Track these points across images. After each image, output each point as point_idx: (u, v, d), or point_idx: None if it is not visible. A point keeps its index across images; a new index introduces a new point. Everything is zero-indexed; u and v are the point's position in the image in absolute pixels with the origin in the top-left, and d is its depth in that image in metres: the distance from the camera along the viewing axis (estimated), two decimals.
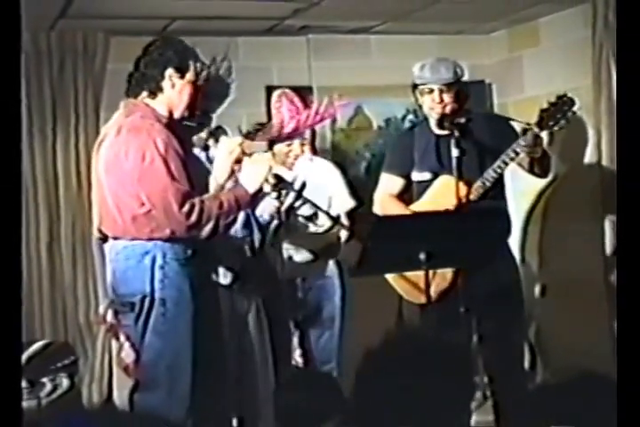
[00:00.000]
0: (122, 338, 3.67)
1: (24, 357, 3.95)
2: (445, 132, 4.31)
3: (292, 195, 4.14)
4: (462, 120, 4.08)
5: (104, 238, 3.67)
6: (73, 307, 5.37)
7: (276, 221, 4.41)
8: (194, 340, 3.53)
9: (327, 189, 4.97)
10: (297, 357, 4.71)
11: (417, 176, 4.44)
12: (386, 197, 4.56)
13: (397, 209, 4.46)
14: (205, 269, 3.71)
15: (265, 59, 5.56)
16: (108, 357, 5.35)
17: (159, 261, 3.51)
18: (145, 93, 3.60)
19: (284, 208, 4.12)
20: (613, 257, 4.92)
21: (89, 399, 5.24)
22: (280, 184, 3.83)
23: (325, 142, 5.76)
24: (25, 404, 3.88)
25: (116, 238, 3.59)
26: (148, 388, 3.59)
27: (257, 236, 4.44)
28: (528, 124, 4.07)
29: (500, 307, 4.20)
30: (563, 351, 5.17)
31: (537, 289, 5.46)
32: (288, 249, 4.74)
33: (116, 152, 3.50)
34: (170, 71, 3.57)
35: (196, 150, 4.53)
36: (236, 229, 4.26)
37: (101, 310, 4.21)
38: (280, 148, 4.66)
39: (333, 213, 4.85)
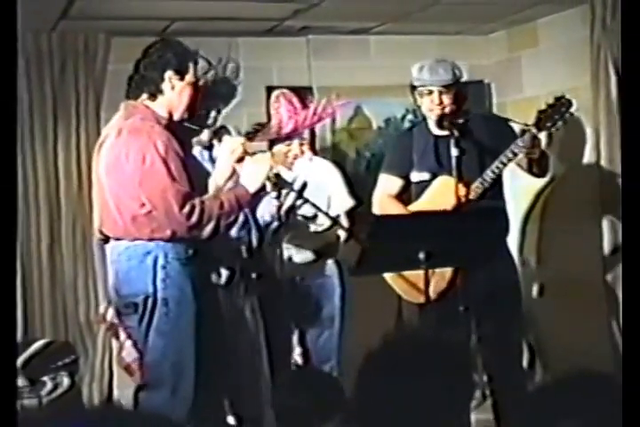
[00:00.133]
0: (122, 337, 3.68)
1: (25, 356, 3.97)
2: (444, 133, 4.33)
3: (291, 195, 4.15)
4: (461, 121, 4.09)
5: (105, 239, 3.68)
6: (73, 306, 5.38)
7: (276, 221, 4.42)
8: (196, 338, 3.55)
9: (327, 189, 4.98)
10: (296, 356, 4.72)
11: (416, 177, 4.45)
12: (384, 198, 4.57)
13: (396, 209, 4.46)
14: (206, 268, 3.73)
15: (265, 59, 5.56)
16: (109, 356, 5.35)
17: (161, 261, 3.52)
18: (145, 95, 3.61)
19: (284, 208, 4.13)
20: (611, 257, 4.94)
21: (89, 398, 5.24)
22: (280, 184, 3.84)
23: (325, 142, 5.77)
24: (26, 402, 3.91)
25: (117, 239, 3.60)
26: (153, 387, 3.60)
27: (255, 236, 4.46)
28: (526, 124, 4.09)
29: (499, 306, 4.22)
30: (561, 351, 5.17)
31: (535, 289, 5.47)
32: (288, 249, 4.76)
33: (117, 154, 3.51)
34: (169, 73, 3.58)
35: (199, 149, 4.55)
36: (237, 229, 4.28)
37: (101, 309, 4.22)
38: (279, 148, 4.67)
39: (333, 212, 4.86)
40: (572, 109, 4.02)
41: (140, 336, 3.57)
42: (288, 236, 4.63)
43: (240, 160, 3.71)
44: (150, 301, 3.52)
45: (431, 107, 4.34)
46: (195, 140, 4.51)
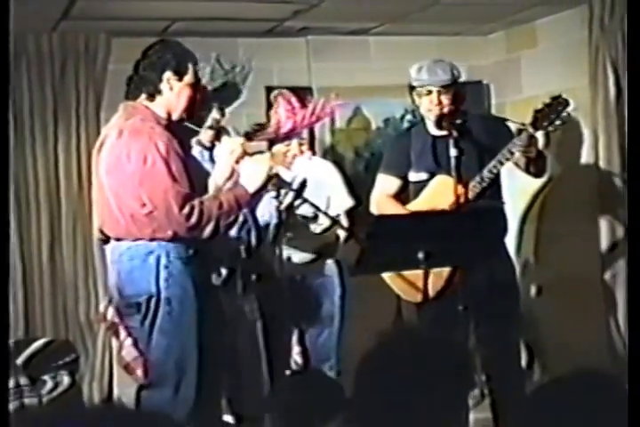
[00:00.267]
0: (122, 336, 3.69)
1: (25, 354, 3.98)
2: (442, 133, 4.34)
3: (291, 194, 4.16)
4: (459, 121, 4.11)
5: (106, 240, 3.69)
6: (74, 305, 5.39)
7: (275, 221, 4.43)
8: (198, 337, 3.56)
9: (326, 189, 4.99)
10: (295, 355, 4.74)
11: (414, 177, 4.46)
12: (382, 197, 4.57)
13: (394, 209, 4.47)
14: (207, 267, 3.74)
15: (265, 60, 5.54)
16: (109, 355, 5.36)
17: (163, 261, 3.53)
18: (143, 96, 3.61)
19: (283, 208, 4.14)
20: (609, 257, 4.95)
21: (89, 397, 5.26)
22: (279, 184, 3.84)
23: (324, 142, 5.79)
24: (26, 401, 3.92)
25: (118, 239, 3.60)
26: (155, 385, 3.61)
27: (254, 236, 4.47)
28: (523, 124, 4.10)
29: (497, 306, 4.23)
30: (559, 350, 5.19)
31: (533, 289, 5.48)
32: (287, 249, 4.76)
33: (118, 155, 3.52)
34: (168, 74, 3.58)
35: (199, 150, 4.57)
36: (237, 229, 4.29)
37: (102, 308, 4.23)
38: (279, 148, 4.68)
39: (332, 212, 4.87)
40: (569, 109, 4.03)
41: (143, 336, 3.58)
42: (287, 236, 4.64)
43: (239, 160, 3.72)
44: (153, 300, 3.53)
45: (430, 107, 4.35)
46: (194, 140, 4.52)
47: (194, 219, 3.48)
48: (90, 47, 5.30)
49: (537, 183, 5.32)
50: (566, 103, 4.03)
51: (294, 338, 4.76)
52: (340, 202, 5.03)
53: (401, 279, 4.30)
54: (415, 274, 4.04)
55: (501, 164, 4.16)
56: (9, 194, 5.10)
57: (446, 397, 2.03)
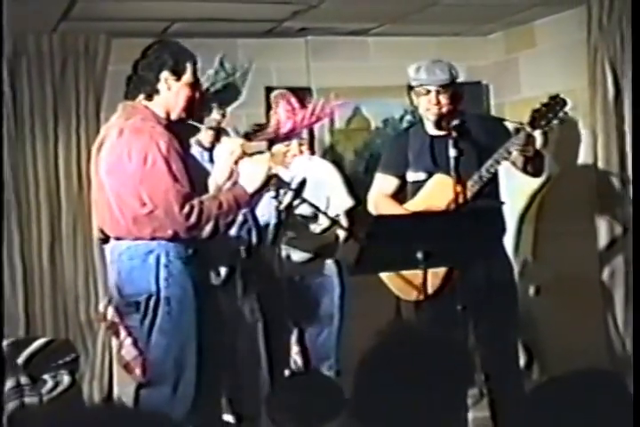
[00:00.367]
0: (122, 336, 3.70)
1: (26, 354, 3.98)
2: (440, 133, 4.35)
3: (290, 194, 4.17)
4: (456, 121, 4.12)
5: (105, 239, 3.70)
6: (74, 305, 5.40)
7: (274, 220, 4.44)
8: (198, 336, 3.57)
9: (326, 189, 5.00)
10: (294, 355, 4.75)
11: (412, 176, 4.46)
12: (380, 197, 4.57)
13: (392, 208, 4.47)
14: (207, 267, 3.76)
15: (264, 60, 5.55)
16: (109, 354, 5.37)
17: (163, 260, 3.53)
18: (142, 96, 3.62)
19: (282, 208, 4.15)
20: (607, 257, 4.96)
21: (90, 396, 5.27)
22: (279, 184, 3.85)
23: (324, 143, 5.80)
24: (27, 400, 3.92)
25: (118, 239, 3.61)
26: (154, 384, 3.62)
27: (254, 235, 4.48)
28: (521, 123, 4.11)
29: (495, 306, 4.24)
30: (558, 350, 5.20)
31: (531, 288, 5.49)
32: (287, 249, 4.78)
33: (119, 154, 3.52)
34: (165, 74, 3.58)
35: (199, 150, 4.58)
36: (237, 228, 4.30)
37: (101, 307, 4.24)
38: (279, 148, 4.69)
39: (332, 212, 4.89)
40: (567, 108, 4.05)
41: (143, 335, 3.59)
42: (287, 236, 4.65)
43: (238, 161, 3.73)
44: (153, 300, 3.54)
45: (428, 106, 4.35)
46: (193, 139, 4.53)
47: (193, 218, 3.48)
48: (90, 48, 5.31)
49: (535, 183, 5.33)
50: (564, 103, 4.04)
51: (293, 338, 4.78)
52: (340, 202, 5.04)
53: (397, 277, 4.31)
54: (412, 272, 4.05)
55: (498, 163, 4.17)
56: (2, 196, 5.14)
57: (446, 396, 2.03)
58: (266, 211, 4.48)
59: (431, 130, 4.43)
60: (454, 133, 4.07)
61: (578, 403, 1.82)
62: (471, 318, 3.97)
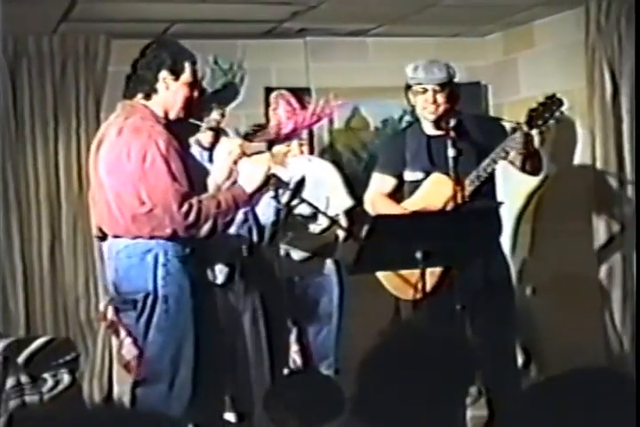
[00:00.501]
0: (122, 335, 3.71)
1: (26, 353, 3.99)
2: (437, 133, 4.37)
3: (290, 194, 4.18)
4: (453, 121, 4.13)
5: (103, 237, 3.71)
6: (74, 304, 5.40)
7: (273, 219, 4.45)
8: (195, 335, 3.57)
9: (325, 189, 5.01)
10: (294, 353, 4.76)
11: (409, 176, 4.46)
12: (377, 196, 4.58)
13: (390, 207, 4.48)
14: (205, 266, 3.77)
15: (264, 61, 5.58)
16: (109, 353, 5.38)
17: (161, 259, 3.54)
18: (140, 95, 3.62)
19: (282, 207, 4.16)
20: (605, 255, 4.97)
21: (90, 395, 5.28)
22: (278, 184, 3.87)
23: (323, 143, 5.81)
24: (28, 399, 3.93)
25: (116, 237, 3.61)
26: (151, 382, 3.62)
27: (255, 235, 4.49)
28: (517, 123, 4.13)
29: (492, 305, 4.25)
30: (556, 348, 5.21)
31: (529, 287, 5.50)
32: (287, 248, 4.79)
33: (118, 153, 3.53)
34: (164, 73, 3.59)
35: (199, 150, 4.59)
36: (236, 227, 4.31)
37: (102, 307, 4.25)
38: (279, 148, 4.71)
39: (332, 212, 4.90)
40: (564, 108, 4.06)
41: (140, 333, 3.60)
42: (287, 235, 4.66)
43: (237, 161, 3.74)
44: (150, 298, 3.55)
45: (425, 105, 4.36)
46: (192, 139, 4.54)
47: (192, 217, 3.49)
48: (90, 49, 5.32)
49: (532, 183, 5.34)
50: (560, 102, 4.06)
51: (292, 337, 4.79)
52: (340, 202, 5.05)
53: (394, 276, 4.31)
54: (409, 271, 4.07)
55: (495, 162, 4.18)
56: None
57: (446, 394, 2.05)
58: (266, 211, 4.49)
59: (428, 130, 4.44)
60: (453, 133, 4.09)
61: (575, 402, 1.83)
62: (468, 317, 3.99)
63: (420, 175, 4.42)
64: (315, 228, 4.87)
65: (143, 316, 3.56)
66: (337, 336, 4.99)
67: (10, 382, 3.90)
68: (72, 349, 4.21)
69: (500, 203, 4.48)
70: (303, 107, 4.51)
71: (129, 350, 3.68)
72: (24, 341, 4.12)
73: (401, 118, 5.80)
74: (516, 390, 4.27)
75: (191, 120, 3.77)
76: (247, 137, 4.55)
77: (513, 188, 5.35)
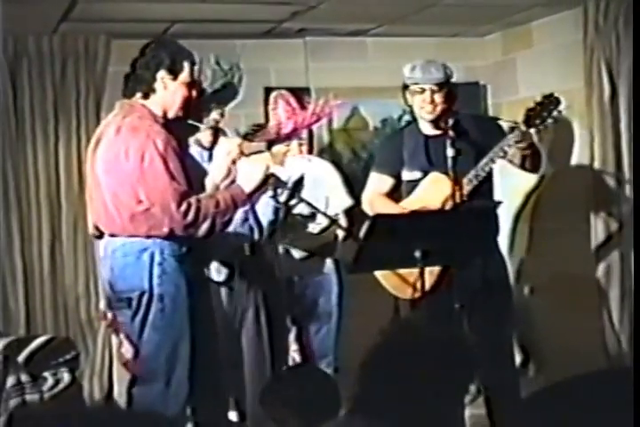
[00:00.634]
0: (122, 334, 3.73)
1: (27, 352, 4.00)
2: (434, 133, 4.38)
3: (288, 194, 4.19)
4: (451, 121, 4.14)
5: (99, 235, 3.72)
6: (74, 303, 5.42)
7: (272, 218, 4.46)
8: (191, 334, 3.58)
9: (325, 189, 5.02)
10: (293, 352, 4.77)
11: (407, 175, 4.46)
12: (375, 196, 4.58)
13: (388, 207, 4.48)
14: (200, 265, 3.77)
15: (263, 61, 5.58)
16: (109, 352, 5.40)
17: (157, 258, 3.54)
18: (139, 94, 3.63)
19: (281, 207, 4.17)
20: (603, 254, 4.98)
21: (90, 394, 5.29)
22: (276, 183, 3.88)
23: (322, 142, 5.82)
24: (28, 398, 3.94)
25: (112, 235, 3.62)
26: (147, 382, 3.64)
27: (256, 234, 4.50)
28: (515, 122, 4.14)
29: (490, 304, 4.26)
30: (554, 347, 5.22)
31: (526, 287, 5.51)
32: (287, 247, 4.79)
33: (116, 152, 3.54)
34: (162, 73, 3.60)
35: (198, 150, 4.60)
36: (236, 227, 4.32)
37: (102, 306, 4.26)
38: (278, 148, 4.71)
39: (331, 212, 4.91)
40: (561, 108, 4.07)
41: (135, 332, 3.61)
42: (287, 235, 4.67)
43: (236, 161, 3.74)
44: (146, 297, 3.55)
45: (422, 105, 4.36)
46: (192, 139, 4.55)
47: (190, 216, 3.50)
48: (90, 49, 5.33)
49: (530, 182, 5.35)
50: (558, 102, 4.06)
51: (292, 335, 4.81)
52: (339, 201, 5.06)
53: (393, 275, 4.32)
54: (407, 270, 4.08)
55: (493, 161, 4.18)
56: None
57: (443, 393, 2.06)
58: (265, 210, 4.50)
59: (426, 129, 4.44)
60: (452, 133, 4.09)
61: (574, 402, 1.83)
62: (467, 316, 4.00)
63: (417, 175, 4.42)
64: (314, 227, 4.88)
65: (138, 315, 3.57)
66: (336, 335, 5.00)
67: (10, 380, 3.91)
68: (72, 348, 4.22)
69: (499, 202, 4.49)
70: (303, 107, 4.52)
71: (128, 349, 3.69)
72: (24, 340, 4.13)
73: (400, 118, 5.80)
74: (513, 389, 4.29)
75: (189, 121, 3.77)
76: (247, 137, 4.56)
77: (511, 187, 5.35)
